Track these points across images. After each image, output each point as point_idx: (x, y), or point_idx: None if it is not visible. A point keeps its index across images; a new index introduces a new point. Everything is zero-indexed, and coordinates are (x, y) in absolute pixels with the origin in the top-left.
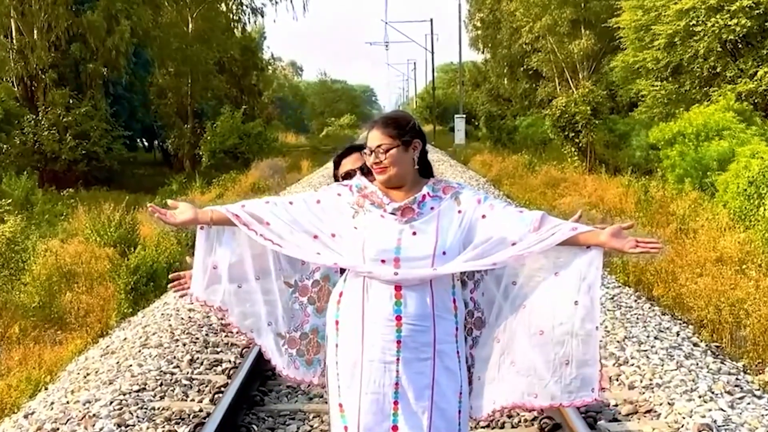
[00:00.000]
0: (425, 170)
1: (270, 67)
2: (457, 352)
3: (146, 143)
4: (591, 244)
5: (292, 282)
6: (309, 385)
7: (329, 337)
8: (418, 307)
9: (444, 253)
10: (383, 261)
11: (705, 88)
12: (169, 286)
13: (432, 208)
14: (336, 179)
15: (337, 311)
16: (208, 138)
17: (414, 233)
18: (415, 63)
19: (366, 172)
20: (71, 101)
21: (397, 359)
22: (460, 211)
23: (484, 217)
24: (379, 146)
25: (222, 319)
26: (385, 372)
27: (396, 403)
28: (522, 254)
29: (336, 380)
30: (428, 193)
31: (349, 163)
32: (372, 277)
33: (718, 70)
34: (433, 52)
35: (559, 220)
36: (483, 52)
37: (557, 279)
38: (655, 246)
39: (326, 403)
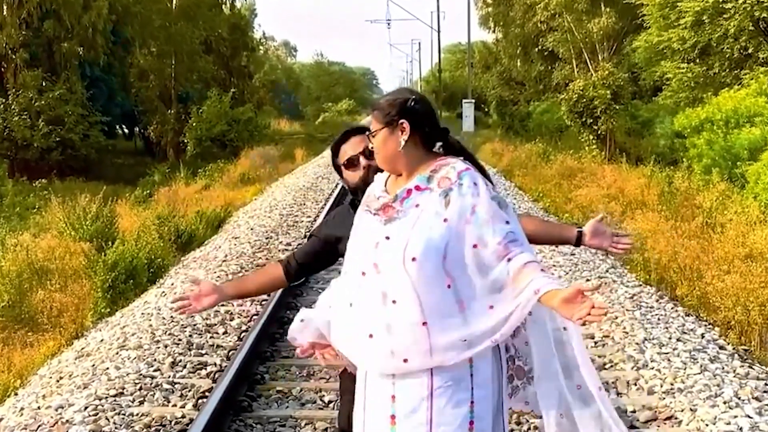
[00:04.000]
0: (447, 148)
1: (261, 48)
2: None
3: (126, 130)
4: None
5: None
6: None
7: None
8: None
9: (413, 259)
10: (363, 273)
11: (735, 71)
12: (174, 307)
13: (417, 206)
14: (336, 169)
15: None
16: (194, 124)
17: (387, 238)
18: (419, 43)
19: (369, 155)
20: (44, 84)
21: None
22: (445, 220)
23: (475, 246)
24: (371, 132)
25: None
26: None
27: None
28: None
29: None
30: (418, 185)
31: (349, 149)
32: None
33: (749, 50)
34: (439, 32)
35: (534, 273)
36: (494, 31)
37: None
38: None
39: (319, 409)
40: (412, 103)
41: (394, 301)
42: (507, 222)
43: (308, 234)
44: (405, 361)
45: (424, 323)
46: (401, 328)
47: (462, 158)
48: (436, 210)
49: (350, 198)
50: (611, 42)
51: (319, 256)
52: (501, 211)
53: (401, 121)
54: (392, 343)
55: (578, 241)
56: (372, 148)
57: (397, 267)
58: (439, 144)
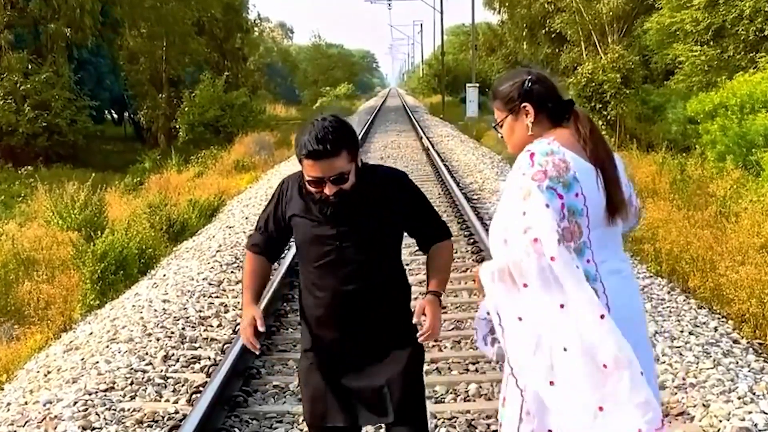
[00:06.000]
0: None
1: (256, 29)
2: None
3: (115, 115)
4: None
5: None
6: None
7: None
8: None
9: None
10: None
11: (751, 54)
12: (249, 343)
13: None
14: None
15: None
16: (186, 109)
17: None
18: (421, 24)
19: (336, 181)
20: (30, 66)
21: None
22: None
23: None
24: (496, 123)
25: None
26: None
27: None
28: None
29: None
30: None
31: (314, 169)
32: None
33: (766, 32)
34: (442, 12)
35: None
36: (499, 12)
37: None
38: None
39: None
40: (530, 84)
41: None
42: (524, 212)
43: (258, 226)
44: None
45: None
46: None
47: (574, 131)
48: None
49: (299, 183)
50: (621, 23)
51: (286, 226)
52: (518, 201)
53: (523, 105)
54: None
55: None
56: (335, 177)
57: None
58: (566, 116)
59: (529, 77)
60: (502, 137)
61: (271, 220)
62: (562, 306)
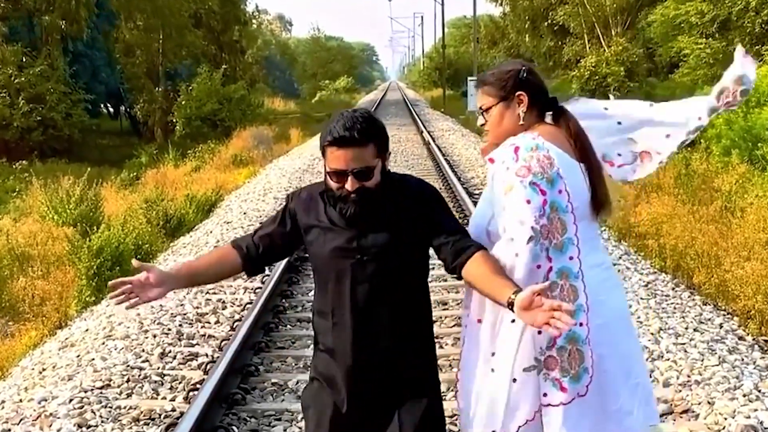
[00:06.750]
0: (556, 117)
1: (254, 21)
2: None
3: (111, 109)
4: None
5: None
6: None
7: None
8: None
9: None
10: None
11: (757, 46)
12: (109, 296)
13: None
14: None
15: None
16: (183, 103)
17: None
18: (422, 17)
19: (360, 175)
20: (24, 59)
21: None
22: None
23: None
24: (483, 109)
25: None
26: None
27: None
28: None
29: None
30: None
31: (339, 159)
32: None
33: None
34: (443, 4)
35: None
36: (501, 4)
37: None
38: (567, 323)
39: None
40: (525, 74)
41: None
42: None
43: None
44: None
45: None
46: None
47: (564, 127)
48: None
49: (323, 188)
50: (625, 16)
51: (285, 244)
52: (500, 195)
53: (519, 93)
54: None
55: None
56: (359, 170)
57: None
58: (549, 113)
59: (524, 68)
60: (483, 124)
61: (267, 230)
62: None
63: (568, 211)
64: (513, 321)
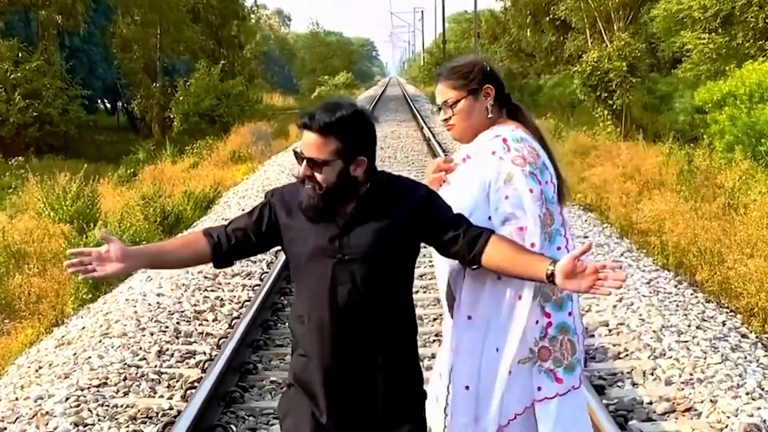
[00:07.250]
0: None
1: (253, 16)
2: None
3: (108, 104)
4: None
5: None
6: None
7: None
8: None
9: None
10: None
11: (760, 42)
12: (66, 263)
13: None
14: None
15: None
16: (181, 98)
17: None
18: (422, 12)
19: (314, 165)
20: (20, 54)
21: None
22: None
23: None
24: (449, 104)
25: None
26: None
27: None
28: None
29: None
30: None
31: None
32: None
33: None
34: None
35: None
36: None
37: None
38: (618, 280)
39: None
40: (488, 68)
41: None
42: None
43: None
44: None
45: None
46: None
47: (525, 122)
48: None
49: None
50: (627, 10)
51: (258, 241)
52: (496, 184)
53: (486, 86)
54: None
55: (551, 280)
56: (311, 160)
57: None
58: (504, 110)
59: (485, 61)
60: (447, 119)
61: (241, 224)
62: (519, 297)
63: (554, 201)
64: (508, 316)
